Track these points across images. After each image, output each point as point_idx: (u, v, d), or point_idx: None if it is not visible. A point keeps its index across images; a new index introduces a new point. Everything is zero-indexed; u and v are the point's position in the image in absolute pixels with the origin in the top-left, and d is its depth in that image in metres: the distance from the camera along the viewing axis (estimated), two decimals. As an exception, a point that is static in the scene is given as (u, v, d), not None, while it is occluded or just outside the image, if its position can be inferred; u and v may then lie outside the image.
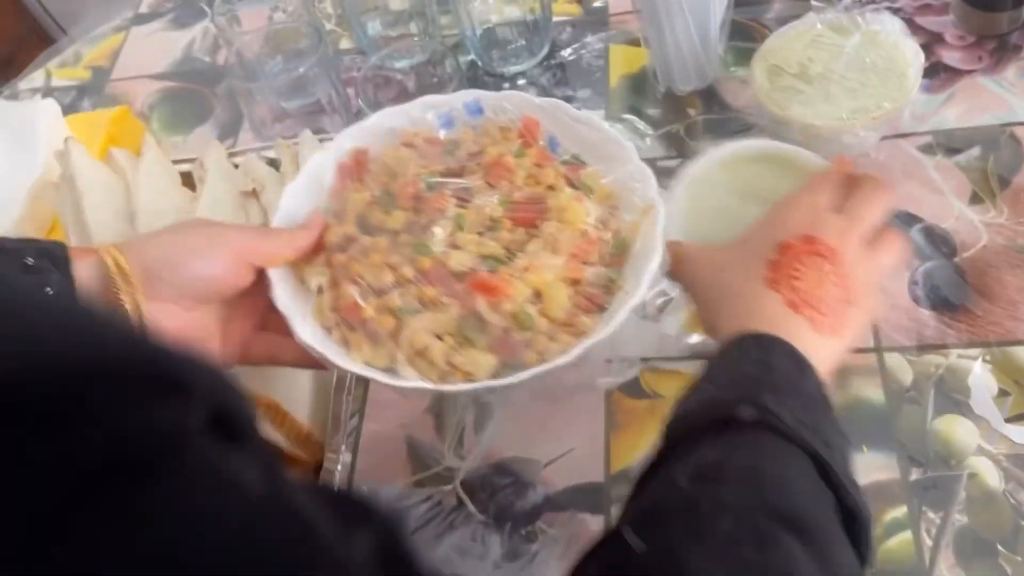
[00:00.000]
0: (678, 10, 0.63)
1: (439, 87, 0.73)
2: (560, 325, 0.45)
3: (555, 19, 0.78)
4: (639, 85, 0.72)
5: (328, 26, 0.88)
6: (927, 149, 0.62)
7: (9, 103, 0.77)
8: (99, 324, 0.19)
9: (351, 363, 0.45)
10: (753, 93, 0.63)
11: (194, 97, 0.85)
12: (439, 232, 0.47)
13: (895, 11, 0.70)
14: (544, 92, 0.73)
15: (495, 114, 0.54)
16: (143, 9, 0.96)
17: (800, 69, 0.61)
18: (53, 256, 0.40)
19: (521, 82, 0.73)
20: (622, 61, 0.74)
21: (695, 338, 0.57)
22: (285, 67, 0.78)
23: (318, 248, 0.49)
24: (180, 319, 0.43)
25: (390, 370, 0.45)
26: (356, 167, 0.53)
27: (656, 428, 0.54)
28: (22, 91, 0.91)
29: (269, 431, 0.53)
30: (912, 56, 0.59)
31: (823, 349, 0.39)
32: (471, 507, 0.54)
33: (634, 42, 0.75)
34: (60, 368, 0.17)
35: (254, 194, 0.66)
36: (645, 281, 0.45)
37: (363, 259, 0.47)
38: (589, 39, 0.77)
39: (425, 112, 0.55)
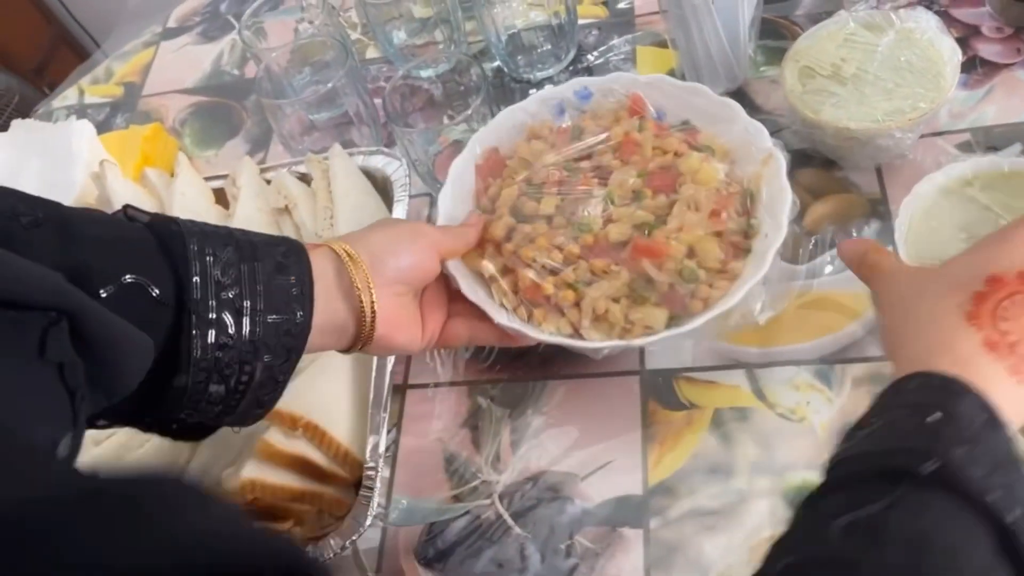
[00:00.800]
0: (706, 10, 0.62)
1: (465, 95, 0.73)
2: (716, 273, 0.52)
3: (580, 22, 0.77)
4: (667, 88, 0.71)
5: (354, 35, 0.88)
6: (965, 147, 0.61)
7: (44, 124, 0.78)
8: (208, 528, 0.22)
9: (546, 335, 0.52)
10: (784, 94, 0.63)
11: (224, 111, 0.86)
12: (593, 210, 0.54)
13: (929, 5, 0.69)
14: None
15: (603, 96, 0.61)
16: (171, 23, 0.97)
17: (833, 70, 0.60)
18: (295, 250, 0.44)
19: (548, 88, 0.73)
20: (650, 63, 0.74)
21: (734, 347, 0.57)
22: (312, 79, 0.79)
23: (482, 242, 0.55)
24: (393, 304, 0.48)
25: (574, 336, 0.52)
26: (492, 165, 0.60)
27: (694, 439, 0.54)
28: (56, 109, 0.93)
29: (309, 450, 0.54)
30: (949, 53, 0.58)
31: (1018, 400, 0.35)
32: (510, 521, 0.54)
33: (662, 43, 0.74)
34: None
35: (287, 211, 0.67)
36: (784, 222, 0.51)
37: (530, 244, 0.54)
38: (616, 41, 0.76)
39: (540, 106, 0.62)
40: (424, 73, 0.75)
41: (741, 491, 0.51)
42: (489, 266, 0.56)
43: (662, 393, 0.56)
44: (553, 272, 0.54)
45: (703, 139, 0.58)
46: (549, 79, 0.76)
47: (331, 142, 0.73)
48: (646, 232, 0.53)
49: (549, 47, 0.76)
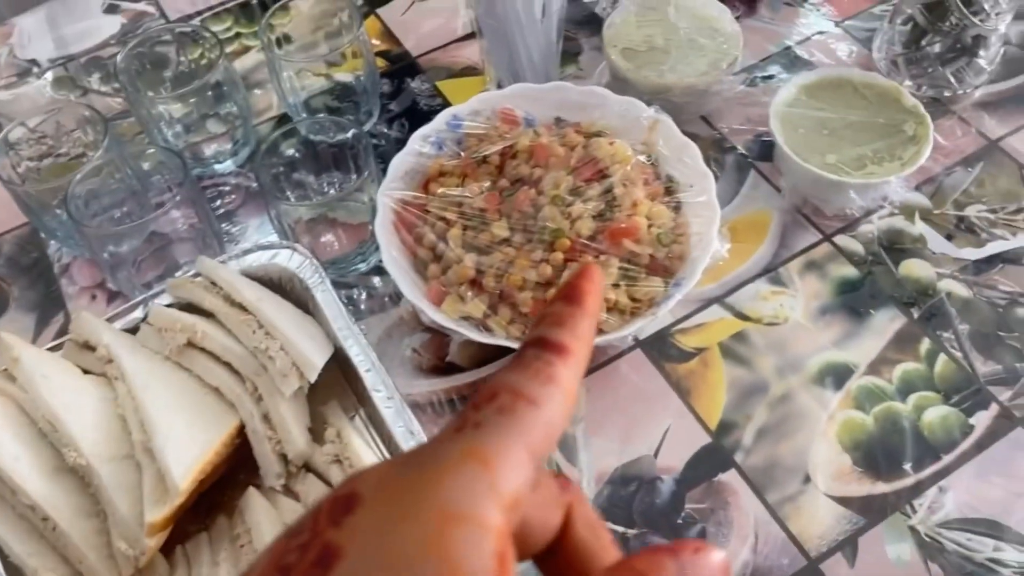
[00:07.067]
0: (530, 21, 0.67)
1: (287, 176, 0.67)
2: (670, 232, 0.57)
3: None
4: (486, 108, 0.74)
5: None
6: (751, 82, 0.74)
7: None
8: None
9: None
10: (595, 82, 0.70)
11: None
12: (553, 216, 0.56)
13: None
14: (400, 143, 0.71)
15: (472, 119, 0.63)
16: None
17: (648, 45, 0.69)
18: None
19: (421, 128, 0.71)
20: (461, 91, 0.76)
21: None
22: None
23: (447, 291, 0.56)
24: None
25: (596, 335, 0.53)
26: (413, 212, 0.59)
27: (715, 377, 0.58)
28: None
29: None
30: (720, 12, 0.71)
31: None
32: (617, 528, 0.53)
33: (456, 74, 0.77)
34: None
35: (192, 346, 0.55)
36: (705, 167, 0.59)
37: (512, 269, 0.55)
38: (413, 84, 0.77)
39: (422, 146, 0.63)
40: (221, 167, 0.67)
41: (782, 396, 0.57)
42: (480, 306, 0.55)
43: (667, 352, 0.60)
44: (547, 284, 0.54)
45: (587, 127, 0.62)
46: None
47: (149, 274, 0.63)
48: (607, 218, 0.56)
49: (350, 105, 0.74)
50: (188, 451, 0.50)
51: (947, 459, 0.53)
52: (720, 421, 0.56)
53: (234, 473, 0.55)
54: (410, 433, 0.52)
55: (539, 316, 0.22)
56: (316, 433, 0.54)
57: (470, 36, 0.80)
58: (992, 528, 0.51)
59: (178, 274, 0.59)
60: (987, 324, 0.59)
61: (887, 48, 0.72)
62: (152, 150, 0.64)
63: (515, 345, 0.54)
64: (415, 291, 0.55)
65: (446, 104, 0.75)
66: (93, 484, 0.49)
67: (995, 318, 0.59)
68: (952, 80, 0.70)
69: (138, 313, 0.57)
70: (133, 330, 0.56)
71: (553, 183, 0.57)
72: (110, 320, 0.57)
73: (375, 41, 0.81)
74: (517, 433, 0.19)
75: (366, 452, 0.51)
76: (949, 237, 0.64)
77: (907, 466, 0.53)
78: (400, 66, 0.79)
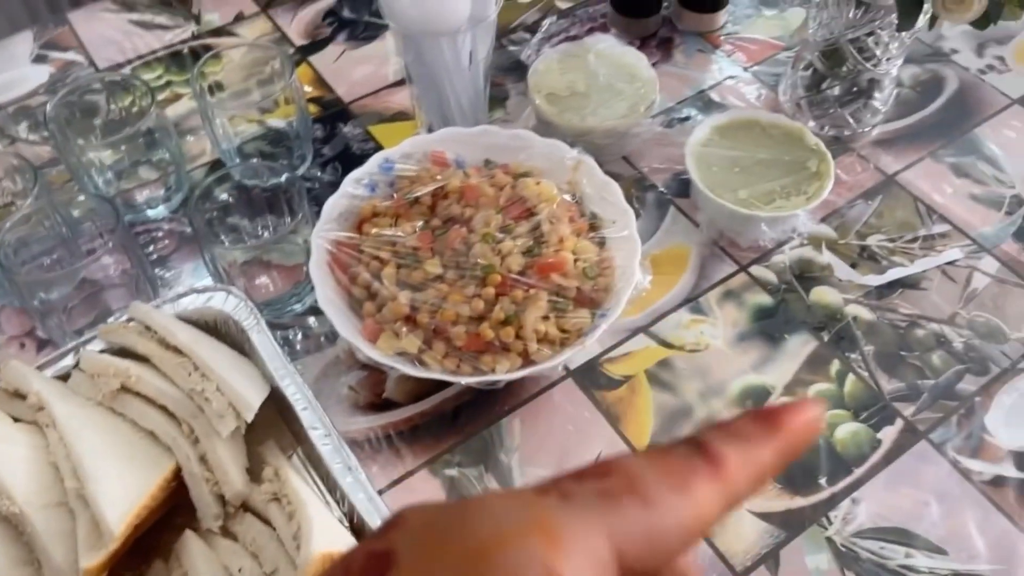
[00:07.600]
0: (457, 68, 0.70)
1: (221, 220, 0.68)
2: (596, 265, 0.60)
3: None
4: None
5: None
6: (669, 123, 0.79)
7: None
8: None
9: (510, 374, 0.56)
10: (521, 126, 0.73)
11: None
12: (484, 252, 0.58)
13: (570, 38, 0.86)
14: (333, 186, 0.72)
15: (403, 162, 0.65)
16: None
17: (570, 91, 0.73)
18: None
19: (354, 171, 0.72)
20: (386, 137, 0.78)
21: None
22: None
23: (384, 328, 0.57)
24: None
25: (526, 364, 0.56)
26: (348, 252, 0.61)
27: (642, 403, 0.61)
28: None
29: None
30: (637, 58, 0.75)
31: None
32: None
33: (387, 119, 0.80)
34: None
35: (125, 390, 0.55)
36: (625, 204, 0.62)
37: (445, 304, 0.56)
38: (345, 129, 0.79)
39: (355, 189, 0.65)
40: (153, 213, 0.68)
41: (707, 419, 0.60)
42: (415, 341, 0.56)
43: (597, 381, 0.62)
44: (480, 318, 0.56)
45: (515, 168, 0.65)
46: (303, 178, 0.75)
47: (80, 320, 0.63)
48: (535, 254, 0.59)
49: (283, 149, 0.75)
50: (122, 496, 0.50)
51: (858, 472, 0.57)
52: (648, 445, 0.59)
53: (170, 517, 0.54)
54: (347, 469, 0.53)
55: (721, 422, 0.18)
56: (254, 473, 0.54)
57: (400, 83, 0.83)
58: (902, 536, 0.54)
59: (110, 320, 0.59)
60: (890, 345, 0.63)
61: (791, 91, 0.77)
62: (83, 197, 0.64)
63: (450, 379, 0.55)
64: (351, 329, 0.57)
65: (378, 148, 0.77)
66: (27, 532, 0.49)
67: (896, 339, 0.64)
68: (850, 120, 0.75)
69: (69, 360, 0.57)
70: (64, 377, 0.56)
71: (483, 222, 0.60)
72: (40, 368, 0.57)
73: (307, 88, 0.83)
74: (606, 522, 0.16)
75: (304, 490, 0.52)
76: (853, 265, 0.68)
77: (822, 480, 0.57)
78: (332, 112, 0.81)
